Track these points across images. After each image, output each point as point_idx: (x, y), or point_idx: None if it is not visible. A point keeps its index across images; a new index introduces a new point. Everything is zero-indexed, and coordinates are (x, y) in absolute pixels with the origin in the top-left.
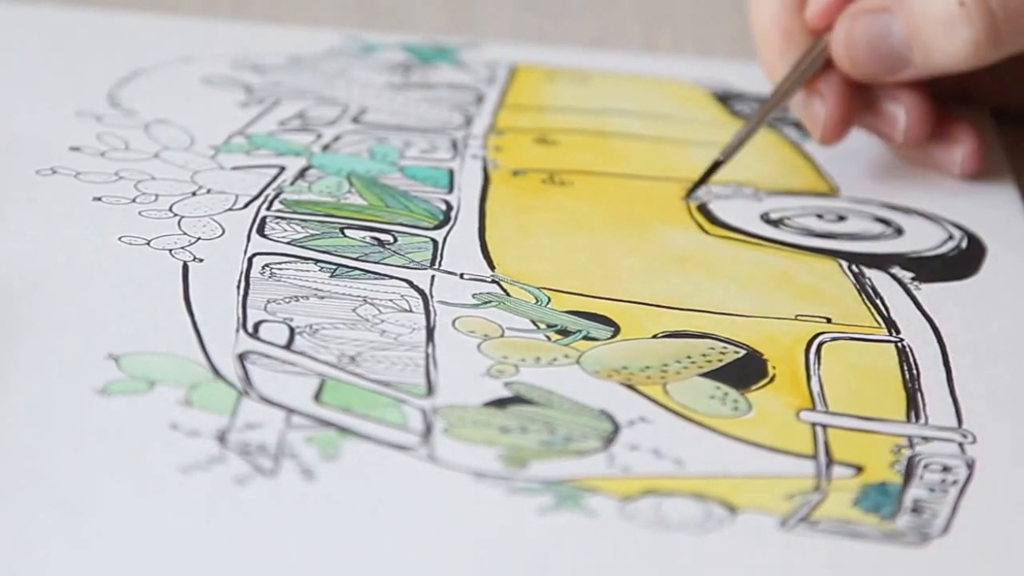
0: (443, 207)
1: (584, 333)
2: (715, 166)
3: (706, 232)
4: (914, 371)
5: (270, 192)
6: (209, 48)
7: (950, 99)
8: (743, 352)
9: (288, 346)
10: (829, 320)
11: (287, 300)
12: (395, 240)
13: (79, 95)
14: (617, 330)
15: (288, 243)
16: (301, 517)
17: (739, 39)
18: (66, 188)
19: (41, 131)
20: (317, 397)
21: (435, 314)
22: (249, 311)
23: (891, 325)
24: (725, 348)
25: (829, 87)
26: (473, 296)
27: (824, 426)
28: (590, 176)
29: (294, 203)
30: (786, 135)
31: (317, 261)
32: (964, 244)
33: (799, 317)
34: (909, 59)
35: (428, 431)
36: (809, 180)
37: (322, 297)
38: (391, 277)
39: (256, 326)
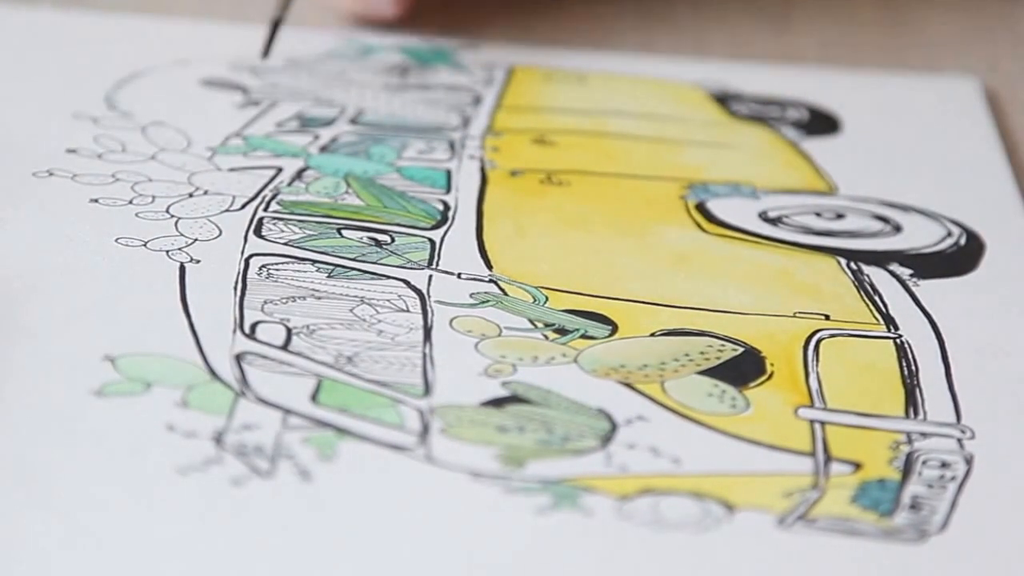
0: (440, 207)
1: (582, 332)
2: (276, 25)
3: (704, 231)
4: (913, 367)
5: (267, 193)
6: (206, 50)
7: None
8: (741, 349)
9: (285, 347)
10: (827, 317)
11: (284, 301)
12: (392, 240)
13: (76, 97)
14: (615, 328)
15: (285, 244)
16: (298, 518)
17: (738, 40)
18: (63, 190)
19: (38, 133)
20: (314, 398)
21: (432, 314)
22: (246, 312)
23: (890, 321)
24: (723, 345)
25: None
26: (471, 296)
27: (822, 423)
28: (588, 176)
29: (291, 204)
30: (784, 134)
31: (314, 262)
32: (963, 241)
33: (797, 314)
34: None
35: (425, 431)
36: (807, 178)
37: (319, 297)
38: (388, 277)
39: (253, 327)
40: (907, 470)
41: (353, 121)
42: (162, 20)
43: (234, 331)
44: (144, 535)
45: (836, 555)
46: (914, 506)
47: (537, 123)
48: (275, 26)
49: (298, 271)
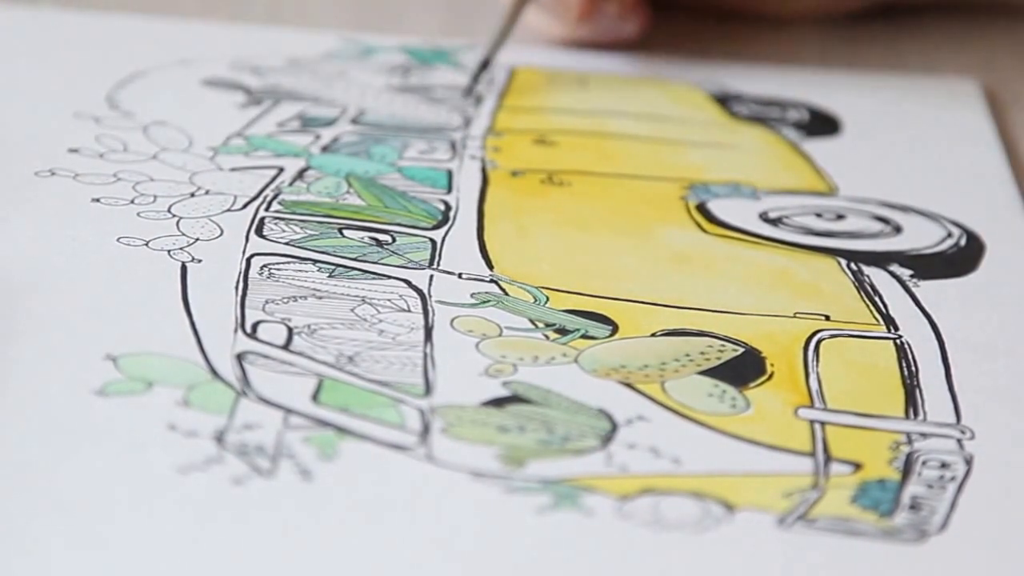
0: (442, 207)
1: (582, 332)
2: (484, 65)
3: (705, 231)
4: (913, 368)
5: (268, 193)
6: (208, 50)
7: None
8: (742, 350)
9: (286, 346)
10: (828, 317)
11: (285, 300)
12: (393, 240)
13: (78, 97)
14: (615, 329)
15: (286, 243)
16: (299, 518)
17: (738, 41)
18: (64, 189)
19: (40, 133)
20: (315, 397)
21: (433, 314)
22: (247, 311)
23: (890, 322)
24: (724, 346)
25: None
26: (471, 295)
27: (822, 423)
28: (589, 176)
29: (292, 204)
30: (784, 135)
31: (315, 261)
32: (963, 242)
33: (798, 315)
34: None
35: (426, 431)
36: (808, 179)
37: (320, 297)
38: (389, 277)
39: (254, 326)
40: (907, 470)
41: (354, 121)
42: (162, 20)
43: (235, 330)
44: (145, 534)
45: (836, 555)
46: (914, 506)
47: (538, 123)
48: (484, 65)
49: (299, 271)
